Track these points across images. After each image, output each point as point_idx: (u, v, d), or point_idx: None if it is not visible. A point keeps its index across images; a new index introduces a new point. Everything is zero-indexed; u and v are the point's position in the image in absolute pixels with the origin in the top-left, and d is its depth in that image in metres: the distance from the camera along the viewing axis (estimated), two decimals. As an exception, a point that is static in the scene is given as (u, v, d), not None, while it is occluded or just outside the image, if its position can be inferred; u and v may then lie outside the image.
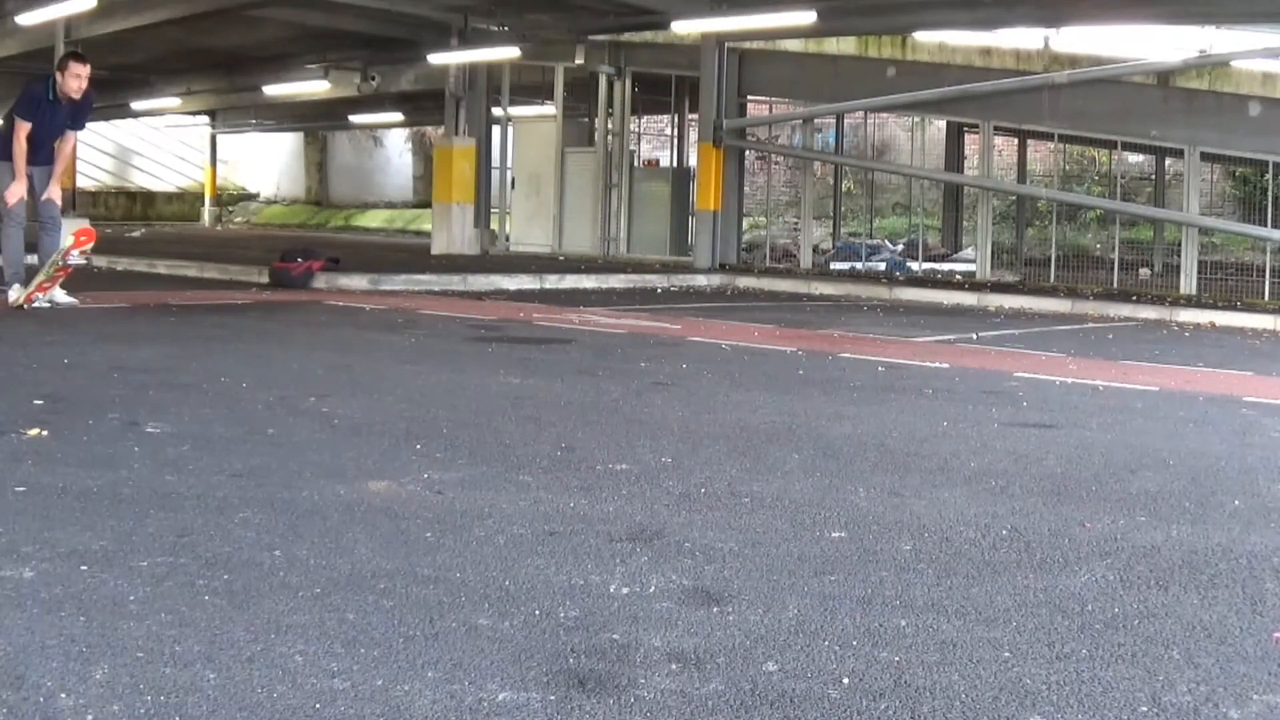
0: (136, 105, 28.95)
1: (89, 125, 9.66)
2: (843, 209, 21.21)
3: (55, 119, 9.39)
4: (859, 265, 17.39)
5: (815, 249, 17.96)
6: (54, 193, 9.44)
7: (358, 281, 12.70)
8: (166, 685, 2.21)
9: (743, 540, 3.30)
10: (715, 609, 2.73)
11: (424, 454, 4.31)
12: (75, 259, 9.18)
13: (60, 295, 9.34)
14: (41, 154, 9.46)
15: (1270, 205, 13.50)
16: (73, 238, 9.12)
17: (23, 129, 9.26)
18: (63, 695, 2.15)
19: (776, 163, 27.21)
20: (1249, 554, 3.30)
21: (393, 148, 37.34)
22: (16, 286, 9.19)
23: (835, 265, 17.54)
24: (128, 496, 3.57)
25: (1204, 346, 9.43)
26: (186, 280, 13.30)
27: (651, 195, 19.50)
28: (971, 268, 16.19)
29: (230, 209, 39.03)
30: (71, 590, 2.72)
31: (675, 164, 22.41)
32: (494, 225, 20.59)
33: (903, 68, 15.88)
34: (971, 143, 20.47)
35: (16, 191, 9.23)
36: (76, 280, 12.08)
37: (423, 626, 2.56)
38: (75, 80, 9.31)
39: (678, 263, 17.57)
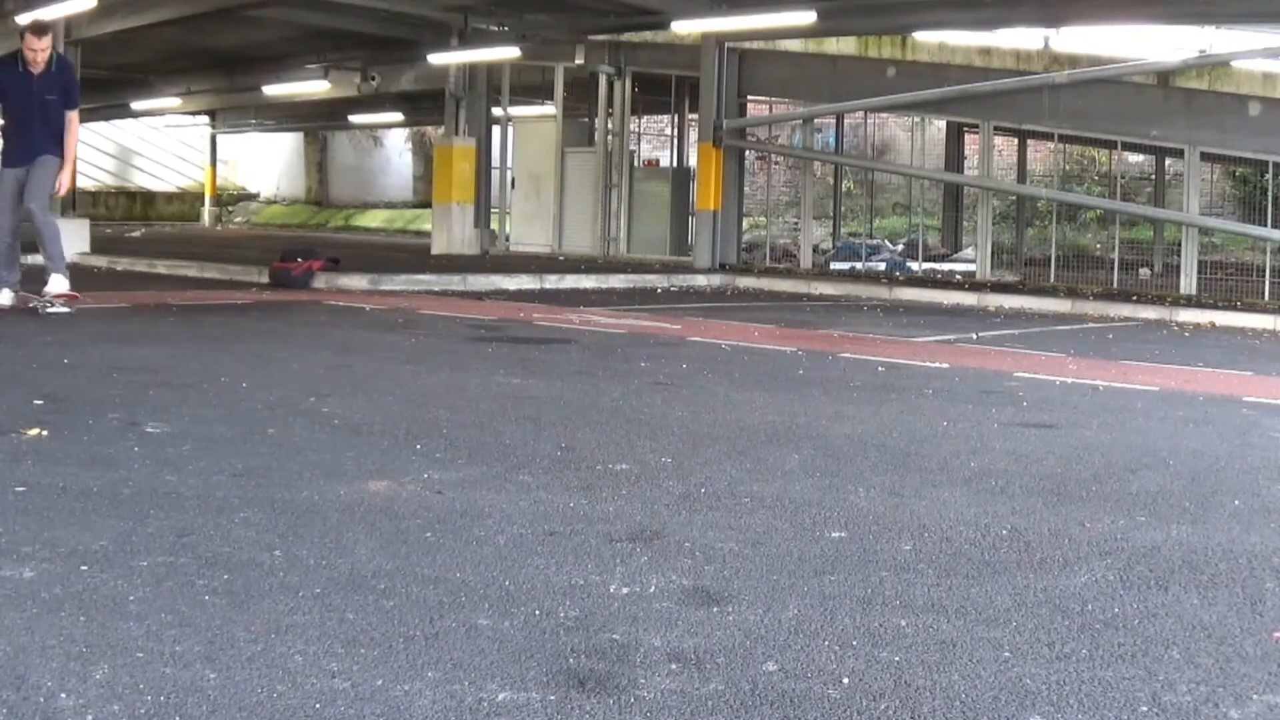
0: (136, 105, 28.97)
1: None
2: (843, 209, 21.21)
3: (31, 90, 8.80)
4: (859, 265, 17.39)
5: (815, 249, 17.96)
6: (61, 181, 8.95)
7: (358, 281, 12.70)
8: (166, 685, 2.21)
9: (743, 540, 3.30)
10: (715, 609, 2.73)
11: (424, 454, 4.31)
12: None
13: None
14: (27, 136, 8.85)
15: (1270, 205, 13.50)
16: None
17: None
18: (63, 695, 2.15)
19: (776, 163, 27.20)
20: (1249, 554, 3.30)
21: (393, 148, 37.35)
22: (6, 291, 8.97)
23: (835, 265, 17.54)
24: (128, 496, 3.57)
25: (1204, 346, 9.43)
26: (186, 280, 13.30)
27: (651, 195, 19.50)
28: (971, 268, 16.19)
29: (230, 209, 39.03)
30: (71, 590, 2.72)
31: (675, 164, 22.41)
32: (494, 225, 20.59)
33: (903, 68, 15.87)
34: (971, 143, 20.48)
35: None
36: (78, 281, 12.07)
37: (423, 626, 2.56)
38: (30, 53, 8.79)
39: (678, 263, 17.57)
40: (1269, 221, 13.43)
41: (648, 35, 18.30)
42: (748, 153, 18.99)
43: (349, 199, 37.90)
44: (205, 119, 34.74)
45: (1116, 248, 15.37)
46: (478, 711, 2.15)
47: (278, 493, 3.67)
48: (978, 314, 12.15)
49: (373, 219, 35.20)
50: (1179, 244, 14.76)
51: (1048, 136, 17.56)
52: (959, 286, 14.42)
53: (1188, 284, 13.68)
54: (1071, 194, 20.80)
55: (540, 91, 20.93)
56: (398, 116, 30.99)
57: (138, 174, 39.41)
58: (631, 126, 20.33)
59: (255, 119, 34.07)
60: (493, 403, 5.50)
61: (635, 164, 20.54)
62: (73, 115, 9.02)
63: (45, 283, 8.86)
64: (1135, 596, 2.90)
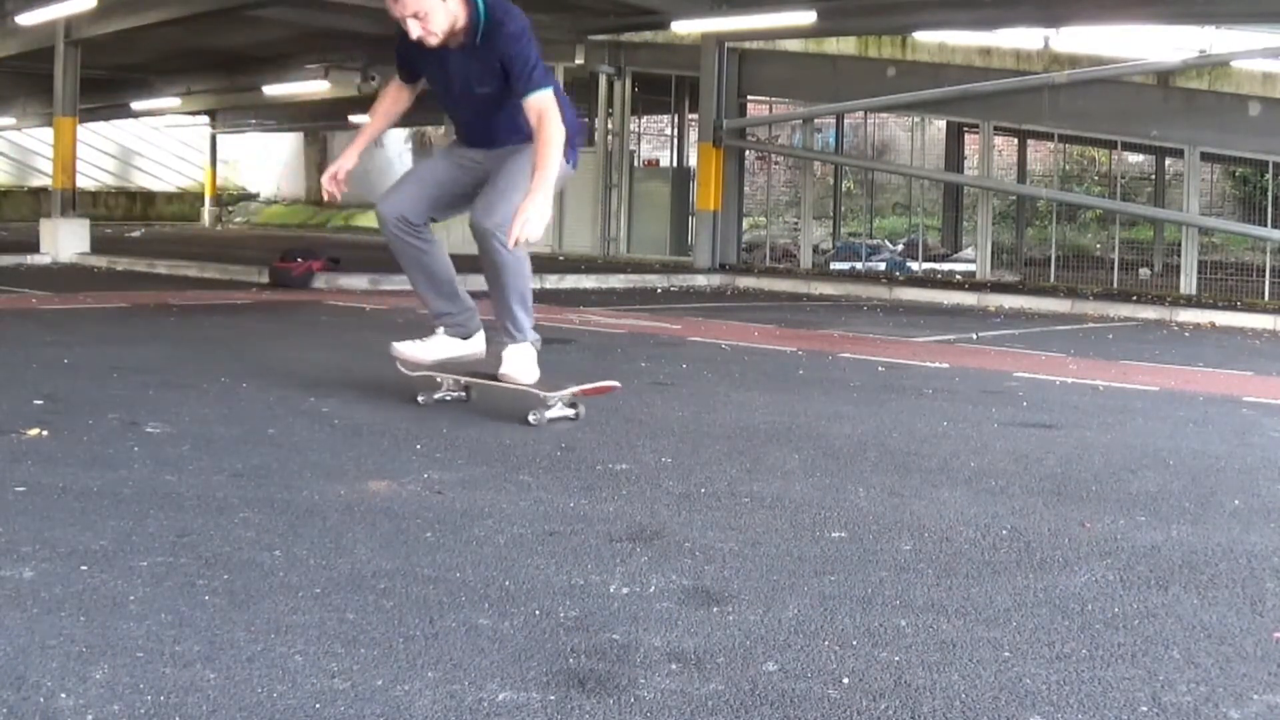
0: (136, 105, 28.95)
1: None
2: (843, 209, 21.21)
3: (449, 71, 5.08)
4: (859, 265, 17.39)
5: (815, 249, 17.96)
6: (522, 221, 4.79)
7: (358, 281, 12.69)
8: (166, 685, 2.21)
9: (743, 540, 3.30)
10: (715, 609, 2.73)
11: (424, 454, 4.31)
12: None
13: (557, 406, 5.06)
14: (467, 125, 5.33)
15: (1270, 205, 13.51)
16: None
17: (389, 83, 5.62)
18: (63, 695, 2.15)
19: (776, 163, 27.20)
20: (1249, 554, 3.30)
21: (393, 148, 37.34)
22: (439, 336, 5.52)
23: (835, 265, 17.54)
24: (128, 496, 3.57)
25: (1204, 346, 9.43)
26: (186, 280, 13.30)
27: (651, 195, 19.51)
28: (971, 268, 16.19)
29: (230, 209, 39.03)
30: (71, 590, 2.72)
31: (675, 164, 22.42)
32: (494, 225, 20.55)
33: (903, 68, 15.88)
34: (971, 143, 20.48)
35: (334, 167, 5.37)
36: (76, 280, 12.07)
37: (423, 626, 2.56)
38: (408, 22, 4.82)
39: (678, 263, 17.57)
40: (1269, 221, 13.44)
41: (648, 35, 18.30)
42: (748, 153, 18.99)
43: (349, 199, 37.80)
44: (205, 119, 34.73)
45: (1116, 248, 15.38)
46: (478, 711, 2.15)
47: (278, 493, 3.67)
48: (978, 314, 12.15)
49: (373, 219, 35.16)
50: (1179, 244, 14.77)
51: (1048, 136, 17.57)
52: (959, 286, 14.42)
53: (1188, 284, 13.68)
54: (1071, 194, 20.80)
55: (540, 91, 20.90)
56: (398, 116, 30.94)
57: (138, 174, 39.43)
58: (631, 126, 20.34)
59: (255, 119, 34.08)
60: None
61: (635, 164, 20.54)
62: (532, 103, 4.87)
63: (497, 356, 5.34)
64: (1135, 596, 2.90)
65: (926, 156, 20.00)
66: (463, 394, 5.38)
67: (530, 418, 4.93)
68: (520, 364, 5.20)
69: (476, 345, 5.44)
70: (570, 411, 5.07)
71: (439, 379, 5.40)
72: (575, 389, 5.13)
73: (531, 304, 5.38)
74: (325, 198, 5.40)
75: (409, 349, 5.43)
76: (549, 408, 4.99)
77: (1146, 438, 5.10)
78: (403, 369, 5.43)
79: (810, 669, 2.38)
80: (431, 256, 5.48)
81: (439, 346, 5.46)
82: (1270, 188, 13.93)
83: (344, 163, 5.43)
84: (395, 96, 5.57)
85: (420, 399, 5.37)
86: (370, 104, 6.03)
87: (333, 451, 4.29)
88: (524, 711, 2.15)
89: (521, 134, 5.02)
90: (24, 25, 16.94)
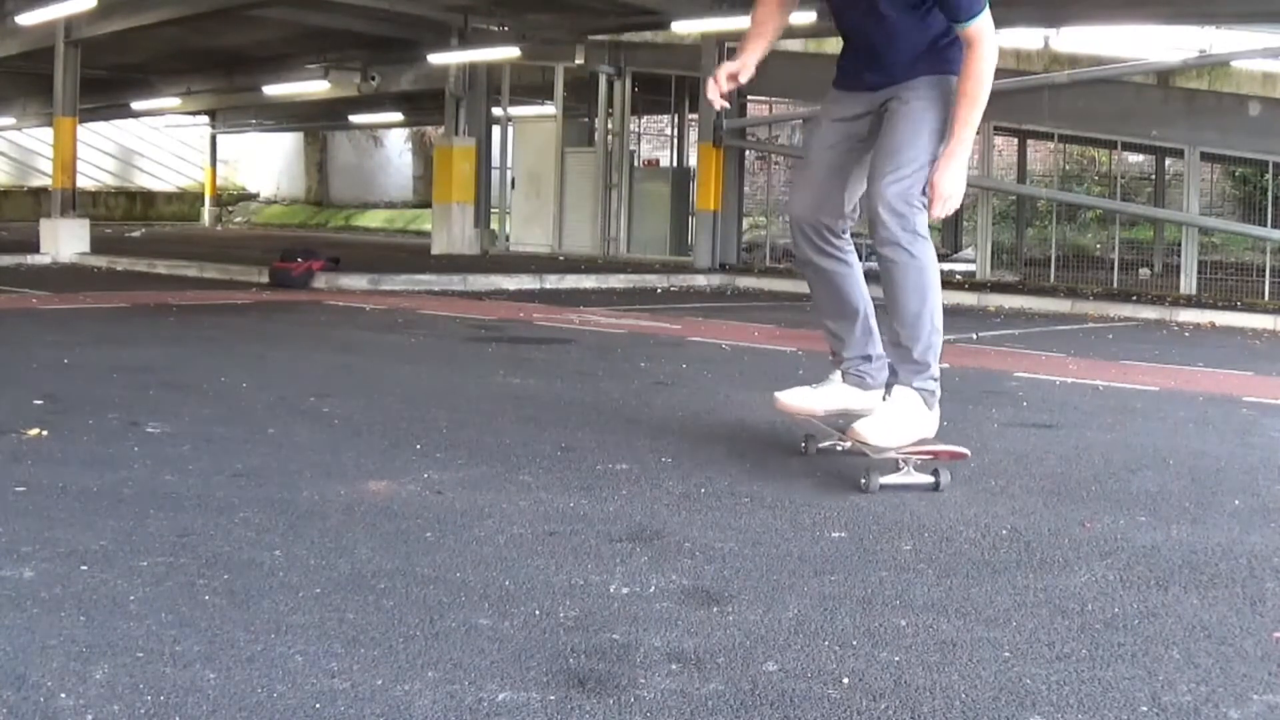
0: (136, 105, 28.97)
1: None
2: (843, 209, 21.19)
3: None
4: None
5: (815, 249, 17.93)
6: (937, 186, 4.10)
7: (358, 281, 12.70)
8: (166, 685, 2.21)
9: (743, 540, 3.30)
10: (715, 609, 2.73)
11: (424, 454, 4.31)
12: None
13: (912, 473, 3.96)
14: (857, 52, 4.25)
15: (1270, 205, 13.50)
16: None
17: None
18: (63, 695, 2.15)
19: (776, 163, 27.18)
20: (1249, 554, 3.30)
21: (393, 148, 37.34)
22: (835, 383, 4.36)
23: (835, 265, 17.52)
24: (128, 496, 3.57)
25: (1204, 346, 9.43)
26: (186, 280, 13.30)
27: (651, 195, 19.51)
28: (971, 268, 16.19)
29: (230, 209, 39.03)
30: (71, 590, 2.72)
31: (675, 164, 22.42)
32: (494, 225, 20.59)
33: (903, 68, 15.85)
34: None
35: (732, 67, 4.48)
36: (76, 280, 12.07)
37: (423, 626, 2.56)
38: None
39: (678, 263, 17.57)
40: (1269, 221, 13.43)
41: (648, 35, 18.30)
42: (748, 153, 18.98)
43: (349, 199, 37.89)
44: (205, 119, 34.74)
45: (1116, 248, 15.38)
46: (478, 711, 2.15)
47: (278, 493, 3.67)
48: (978, 314, 12.15)
49: (373, 219, 35.19)
50: (1179, 244, 14.76)
51: (1048, 136, 17.55)
52: (959, 286, 14.41)
53: (1188, 284, 13.68)
54: (1071, 194, 20.79)
55: (540, 91, 20.94)
56: (398, 116, 31.00)
57: (138, 174, 39.42)
58: (631, 126, 20.34)
59: (255, 119, 34.09)
60: (493, 403, 5.50)
61: (635, 164, 20.54)
62: (970, 32, 4.15)
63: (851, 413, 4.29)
64: (1135, 596, 2.90)
65: (926, 156, 19.96)
66: (848, 444, 4.13)
67: (861, 482, 3.86)
68: (891, 418, 3.90)
69: (876, 400, 4.24)
70: (926, 478, 3.90)
71: (832, 441, 4.30)
72: (929, 448, 3.94)
73: (941, 327, 4.05)
74: (716, 105, 4.56)
75: (797, 399, 4.36)
76: (894, 471, 3.90)
77: (1146, 438, 5.10)
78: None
79: (810, 669, 2.38)
80: (851, 279, 4.50)
81: (833, 396, 4.34)
82: (1270, 188, 13.93)
83: (743, 66, 4.45)
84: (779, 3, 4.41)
85: (803, 446, 4.50)
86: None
87: (333, 451, 4.29)
88: (524, 711, 2.15)
89: (923, 64, 4.15)
90: (24, 25, 16.94)
